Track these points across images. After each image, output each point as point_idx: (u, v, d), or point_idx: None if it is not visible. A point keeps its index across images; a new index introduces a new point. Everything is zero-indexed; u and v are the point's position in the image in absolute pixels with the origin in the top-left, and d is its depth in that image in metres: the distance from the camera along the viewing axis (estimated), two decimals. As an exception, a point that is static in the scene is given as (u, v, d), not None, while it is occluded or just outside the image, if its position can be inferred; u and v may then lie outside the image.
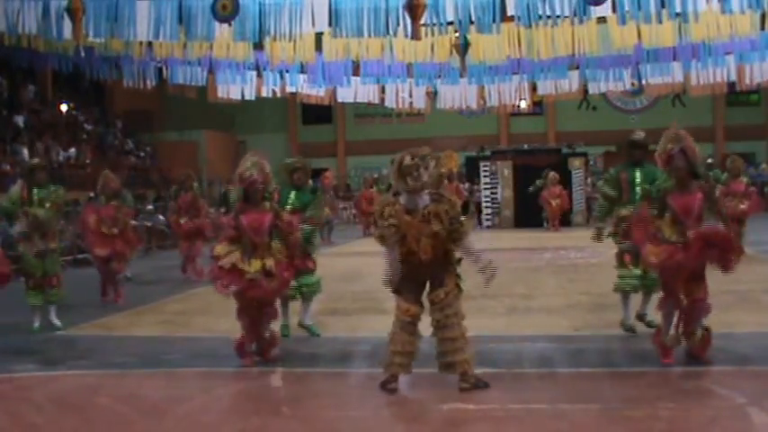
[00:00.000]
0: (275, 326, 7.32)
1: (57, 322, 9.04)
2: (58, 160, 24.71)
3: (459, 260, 5.84)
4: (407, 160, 5.54)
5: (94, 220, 11.13)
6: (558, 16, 11.41)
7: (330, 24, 11.48)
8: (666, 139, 6.40)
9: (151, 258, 18.19)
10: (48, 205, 8.97)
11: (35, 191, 9.05)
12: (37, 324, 8.95)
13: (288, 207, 7.71)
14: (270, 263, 6.66)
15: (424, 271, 5.76)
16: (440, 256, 5.71)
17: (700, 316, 6.32)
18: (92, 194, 21.72)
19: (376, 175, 26.08)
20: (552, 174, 23.35)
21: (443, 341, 5.73)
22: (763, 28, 13.19)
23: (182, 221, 13.59)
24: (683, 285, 6.26)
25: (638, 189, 7.49)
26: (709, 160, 22.19)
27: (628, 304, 7.70)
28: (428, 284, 5.82)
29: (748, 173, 16.35)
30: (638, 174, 7.66)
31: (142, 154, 31.54)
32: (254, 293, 6.64)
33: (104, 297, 11.11)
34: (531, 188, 23.47)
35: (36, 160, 9.82)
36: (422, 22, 11.05)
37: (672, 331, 6.37)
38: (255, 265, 6.61)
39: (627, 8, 10.81)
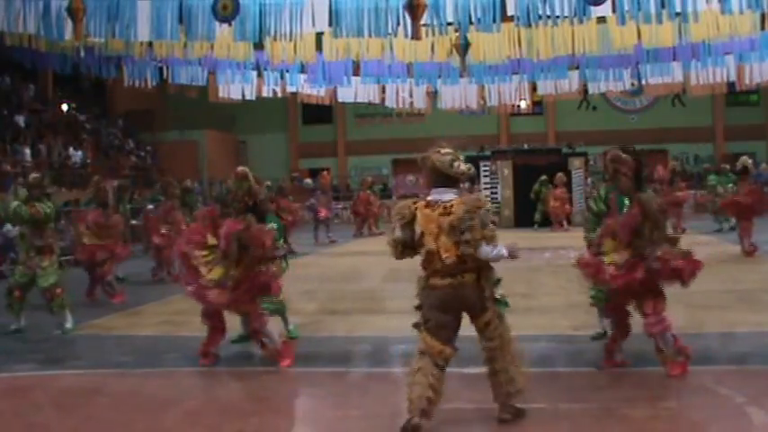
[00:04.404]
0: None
1: (68, 326, 8.89)
2: (58, 160, 24.72)
3: (498, 280, 5.17)
4: (443, 155, 5.11)
5: (83, 226, 11.40)
6: (557, 16, 11.43)
7: (330, 24, 11.50)
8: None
9: (151, 258, 18.15)
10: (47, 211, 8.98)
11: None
12: (14, 326, 8.94)
13: None
14: (235, 273, 6.65)
15: (456, 294, 5.00)
16: (470, 271, 4.99)
17: (653, 333, 6.12)
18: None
19: (370, 178, 26.19)
20: (559, 175, 23.50)
21: (493, 374, 5.17)
22: (762, 28, 13.20)
23: (161, 230, 13.25)
24: (634, 301, 6.23)
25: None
26: (706, 165, 22.08)
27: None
28: (468, 314, 5.13)
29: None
30: (626, 200, 7.52)
31: (143, 153, 31.54)
32: (201, 300, 6.74)
33: (90, 296, 11.14)
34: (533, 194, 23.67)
35: (33, 177, 9.60)
36: (422, 22, 11.06)
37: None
38: (216, 272, 6.64)
39: (627, 8, 10.82)
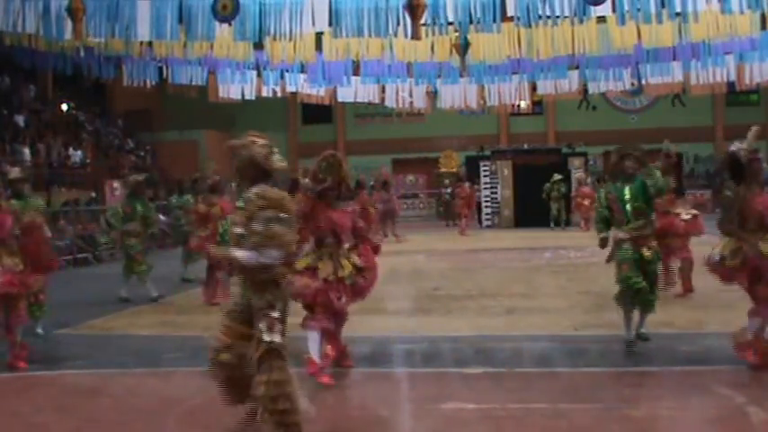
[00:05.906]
0: None
1: (39, 331, 8.55)
2: (58, 160, 24.71)
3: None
4: (261, 146, 4.81)
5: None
6: (557, 16, 11.43)
7: (330, 24, 11.50)
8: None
9: (151, 258, 18.15)
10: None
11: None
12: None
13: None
14: (356, 260, 6.39)
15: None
16: None
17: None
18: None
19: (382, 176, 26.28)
20: (579, 174, 23.48)
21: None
22: (763, 28, 13.20)
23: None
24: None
25: (627, 207, 7.35)
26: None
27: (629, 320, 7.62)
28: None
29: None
30: (626, 191, 7.37)
31: (142, 153, 31.53)
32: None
33: (209, 300, 10.46)
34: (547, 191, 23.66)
35: (15, 173, 9.30)
36: (422, 22, 11.07)
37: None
38: (347, 266, 6.31)
39: (627, 8, 10.83)
